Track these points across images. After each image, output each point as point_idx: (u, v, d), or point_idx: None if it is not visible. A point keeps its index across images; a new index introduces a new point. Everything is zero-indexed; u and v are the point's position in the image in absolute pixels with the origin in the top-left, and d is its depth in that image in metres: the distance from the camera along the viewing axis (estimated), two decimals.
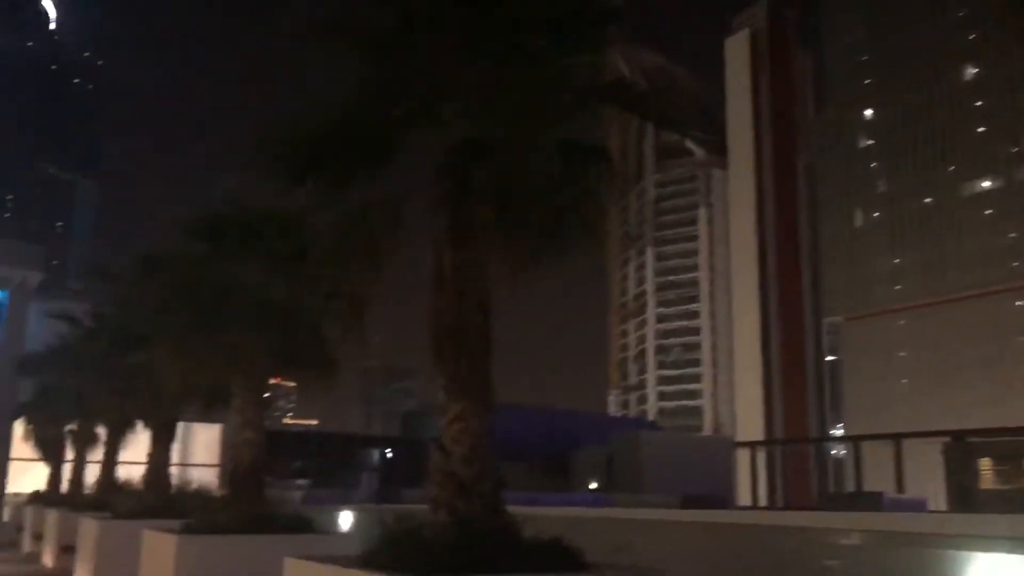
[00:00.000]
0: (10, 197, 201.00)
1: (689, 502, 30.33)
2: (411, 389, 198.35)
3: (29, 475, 33.77)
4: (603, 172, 7.17)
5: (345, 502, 29.34)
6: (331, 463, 53.46)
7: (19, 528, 28.45)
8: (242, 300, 11.32)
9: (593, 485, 54.24)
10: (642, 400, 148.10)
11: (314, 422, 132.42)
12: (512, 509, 6.77)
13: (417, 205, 7.36)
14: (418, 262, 7.87)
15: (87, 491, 24.04)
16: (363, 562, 6.22)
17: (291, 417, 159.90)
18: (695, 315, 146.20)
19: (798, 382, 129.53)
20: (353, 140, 7.02)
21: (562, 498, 35.59)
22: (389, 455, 56.97)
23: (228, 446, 38.51)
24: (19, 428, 31.65)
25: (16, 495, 33.84)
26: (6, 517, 31.93)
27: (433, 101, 6.97)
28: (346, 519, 20.51)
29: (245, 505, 11.38)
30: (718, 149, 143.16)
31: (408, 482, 40.77)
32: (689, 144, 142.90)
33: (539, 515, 6.68)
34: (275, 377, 12.42)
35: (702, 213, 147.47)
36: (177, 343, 12.34)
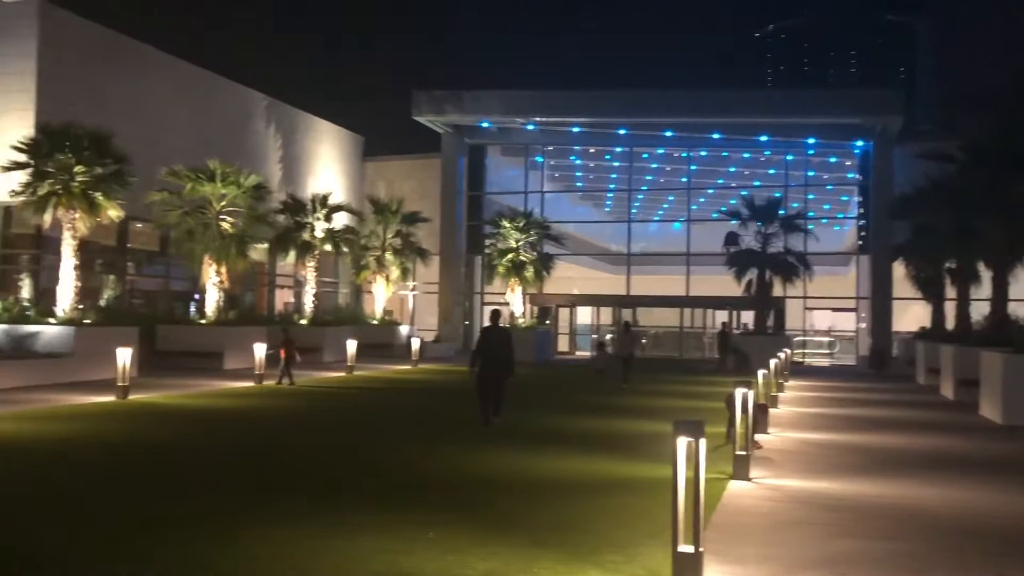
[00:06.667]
0: (853, 52, 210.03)
1: None
2: None
3: (907, 313, 35.43)
4: None
5: None
6: None
7: (908, 362, 30.10)
8: None
9: None
10: None
11: None
12: None
13: None
14: None
15: (974, 327, 23.89)
16: None
17: None
18: None
19: None
20: None
21: None
22: None
23: None
24: (897, 269, 33.28)
25: (896, 332, 35.90)
26: (895, 352, 34.11)
27: None
28: None
29: None
30: None
31: None
32: None
33: None
34: None
35: None
36: None
